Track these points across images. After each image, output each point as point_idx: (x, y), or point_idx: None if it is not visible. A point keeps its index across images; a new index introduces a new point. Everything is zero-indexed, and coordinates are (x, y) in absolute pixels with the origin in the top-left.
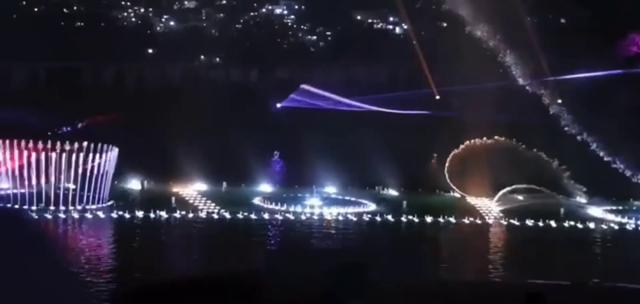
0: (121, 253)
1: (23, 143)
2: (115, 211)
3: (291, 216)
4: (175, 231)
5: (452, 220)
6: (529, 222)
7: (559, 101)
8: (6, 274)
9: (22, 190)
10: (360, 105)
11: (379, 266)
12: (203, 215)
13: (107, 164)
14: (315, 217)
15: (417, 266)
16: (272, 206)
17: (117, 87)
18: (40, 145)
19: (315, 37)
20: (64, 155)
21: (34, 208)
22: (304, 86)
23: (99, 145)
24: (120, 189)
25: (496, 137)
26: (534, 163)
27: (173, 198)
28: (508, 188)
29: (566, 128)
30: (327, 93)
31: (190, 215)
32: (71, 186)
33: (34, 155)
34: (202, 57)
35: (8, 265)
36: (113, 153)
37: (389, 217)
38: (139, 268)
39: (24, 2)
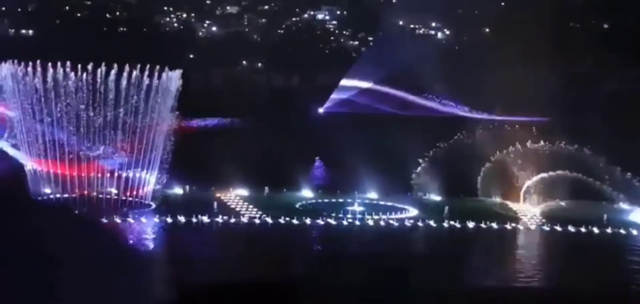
0: (163, 257)
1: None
2: (157, 216)
3: (333, 222)
4: (217, 236)
5: (494, 225)
6: (572, 228)
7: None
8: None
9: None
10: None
11: (420, 272)
12: (245, 219)
13: (148, 169)
14: (357, 223)
15: (459, 272)
16: (314, 211)
17: None
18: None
19: (357, 43)
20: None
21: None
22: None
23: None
24: (163, 194)
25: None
26: (582, 162)
27: (215, 203)
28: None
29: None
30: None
31: (232, 220)
32: (113, 190)
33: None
34: (244, 62)
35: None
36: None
37: (431, 223)
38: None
39: (67, 8)
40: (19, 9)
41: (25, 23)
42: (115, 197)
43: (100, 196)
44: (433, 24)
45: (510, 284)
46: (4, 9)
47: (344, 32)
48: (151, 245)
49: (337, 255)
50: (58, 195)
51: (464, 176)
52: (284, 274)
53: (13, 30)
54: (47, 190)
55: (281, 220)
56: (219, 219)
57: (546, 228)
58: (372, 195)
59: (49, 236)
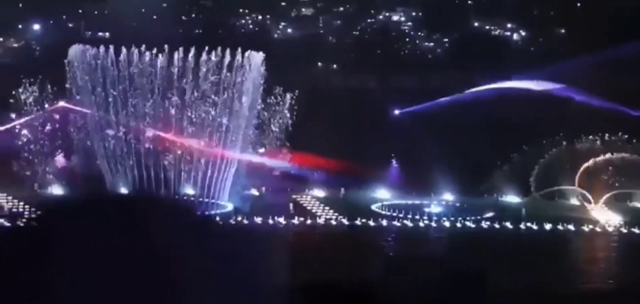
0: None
1: None
2: (234, 218)
3: (409, 224)
4: (293, 238)
5: (571, 227)
6: None
7: None
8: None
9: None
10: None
11: (498, 274)
12: (321, 221)
13: (227, 169)
14: (434, 224)
15: (536, 273)
16: (390, 213)
17: None
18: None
19: (432, 44)
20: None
21: None
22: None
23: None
24: (240, 195)
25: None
26: None
27: (291, 205)
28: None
29: None
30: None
31: (309, 222)
32: (190, 190)
33: None
34: (319, 64)
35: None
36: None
37: (508, 225)
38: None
39: (143, 10)
40: (95, 12)
41: (102, 26)
42: (192, 198)
43: (178, 196)
44: (508, 25)
45: (582, 285)
46: (80, 11)
47: (419, 34)
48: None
49: (413, 256)
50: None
51: (544, 179)
52: (359, 276)
53: (89, 32)
54: (124, 190)
55: (357, 221)
56: (295, 220)
57: (624, 230)
58: (449, 196)
59: (178, 237)
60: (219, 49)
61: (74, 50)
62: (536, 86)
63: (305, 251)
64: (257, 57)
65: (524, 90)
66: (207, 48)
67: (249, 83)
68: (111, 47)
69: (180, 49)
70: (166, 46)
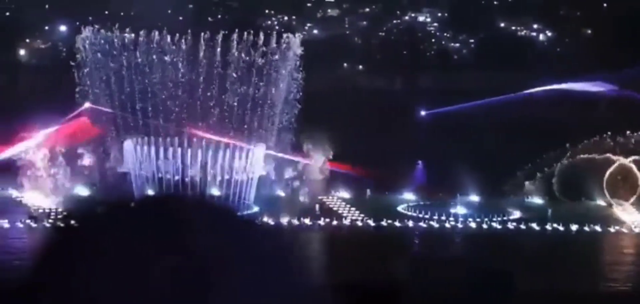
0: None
1: None
2: (259, 219)
3: (435, 225)
4: (320, 238)
5: (598, 228)
6: None
7: None
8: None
9: None
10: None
11: (523, 274)
12: (347, 222)
13: (252, 167)
14: (460, 225)
15: (561, 274)
16: (416, 214)
17: None
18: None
19: (458, 45)
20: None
21: None
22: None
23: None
24: (266, 196)
25: None
26: None
27: (317, 206)
28: None
29: None
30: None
31: (334, 223)
32: (216, 192)
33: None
34: (345, 64)
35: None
36: (258, 155)
37: (534, 225)
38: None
39: (169, 11)
40: (121, 13)
41: (128, 27)
42: (220, 198)
43: (205, 196)
44: (534, 26)
45: (608, 287)
46: (106, 12)
47: (445, 34)
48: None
49: (440, 257)
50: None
51: (569, 179)
52: (386, 277)
53: (118, 33)
54: (150, 192)
55: (383, 222)
56: (321, 222)
57: None
58: (475, 197)
59: (225, 239)
60: (251, 32)
61: (84, 35)
62: (593, 87)
63: (339, 251)
64: (294, 40)
65: (580, 92)
66: (237, 31)
67: (284, 69)
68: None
69: (207, 32)
70: (189, 30)
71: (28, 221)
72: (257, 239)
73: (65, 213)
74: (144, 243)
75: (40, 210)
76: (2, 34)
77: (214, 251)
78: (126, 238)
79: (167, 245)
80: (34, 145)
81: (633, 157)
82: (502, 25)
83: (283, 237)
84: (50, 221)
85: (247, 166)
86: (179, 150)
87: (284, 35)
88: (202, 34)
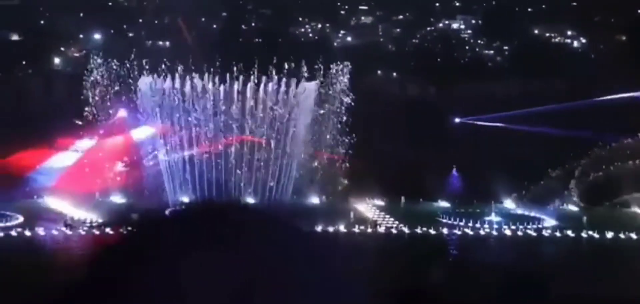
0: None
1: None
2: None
3: (470, 232)
4: (355, 246)
5: (633, 236)
6: None
7: None
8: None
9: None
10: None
11: (558, 281)
12: (382, 230)
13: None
14: (495, 233)
15: (597, 282)
16: (451, 221)
17: None
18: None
19: (492, 52)
20: None
21: None
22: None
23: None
24: (299, 203)
25: None
26: None
27: (352, 213)
28: None
29: None
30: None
31: (369, 230)
32: (250, 200)
33: None
34: (378, 71)
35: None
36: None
37: (569, 233)
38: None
39: (203, 19)
40: (156, 21)
41: (161, 34)
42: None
43: (240, 203)
44: (569, 33)
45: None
46: (141, 20)
47: (479, 41)
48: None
49: (474, 264)
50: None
51: (606, 186)
52: (421, 284)
53: (150, 42)
54: (185, 199)
55: (418, 230)
56: (356, 229)
57: None
58: (510, 204)
59: (278, 246)
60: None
61: (143, 82)
62: None
63: (378, 258)
64: (310, 87)
65: None
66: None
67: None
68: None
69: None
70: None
71: (63, 228)
72: (311, 245)
73: (100, 222)
74: (208, 249)
75: (76, 219)
76: (37, 42)
77: (274, 257)
78: (191, 243)
79: (228, 250)
80: (78, 154)
81: None
82: (536, 32)
83: (334, 243)
84: (85, 228)
85: (281, 174)
86: (216, 159)
87: (300, 87)
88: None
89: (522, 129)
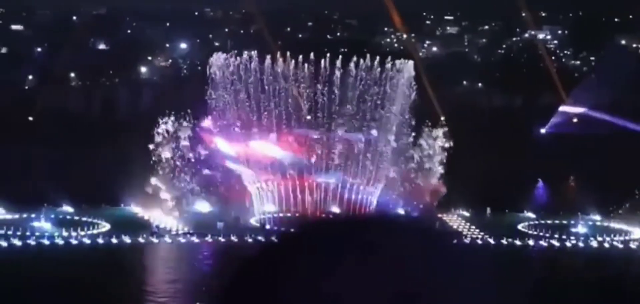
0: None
1: None
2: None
3: (556, 243)
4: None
5: None
6: None
7: None
8: None
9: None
10: None
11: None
12: (467, 240)
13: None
14: (581, 244)
15: None
16: (537, 232)
17: None
18: None
19: (578, 62)
20: None
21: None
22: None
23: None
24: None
25: None
26: None
27: (437, 223)
28: None
29: None
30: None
31: (454, 241)
32: (335, 209)
33: None
34: (464, 82)
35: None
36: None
37: None
38: None
39: (288, 29)
40: (242, 31)
41: (247, 44)
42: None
43: (323, 215)
44: None
45: None
46: (226, 30)
47: (565, 52)
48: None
49: (562, 276)
50: (280, 214)
51: None
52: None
53: (236, 51)
54: (271, 208)
55: (503, 241)
56: None
57: None
58: (595, 216)
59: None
60: (368, 57)
61: (216, 58)
62: None
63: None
64: (408, 66)
65: None
66: (355, 58)
67: (399, 93)
68: (254, 55)
69: (327, 55)
70: (312, 53)
71: (150, 237)
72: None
73: (186, 230)
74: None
75: (162, 226)
76: (124, 51)
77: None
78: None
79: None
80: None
81: None
82: (623, 42)
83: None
84: (171, 236)
85: (367, 184)
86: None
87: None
88: (322, 60)
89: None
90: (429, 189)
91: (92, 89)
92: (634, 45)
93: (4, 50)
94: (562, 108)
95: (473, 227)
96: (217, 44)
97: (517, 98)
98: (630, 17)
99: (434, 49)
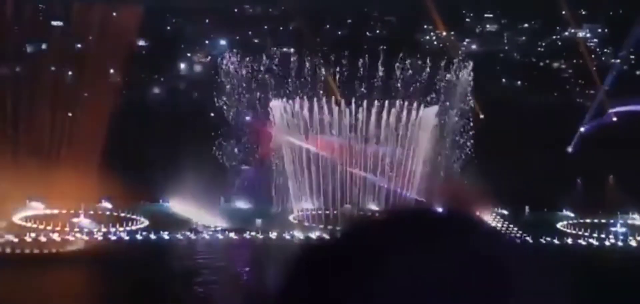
0: None
1: None
2: None
3: (595, 243)
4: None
5: None
6: None
7: None
8: None
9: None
10: None
11: None
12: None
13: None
14: (620, 244)
15: None
16: (576, 231)
17: None
18: None
19: (618, 61)
20: None
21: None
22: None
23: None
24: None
25: None
26: None
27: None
28: None
29: None
30: None
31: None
32: (374, 207)
33: None
34: (503, 80)
35: None
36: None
37: None
38: None
39: (327, 26)
40: (281, 28)
41: (286, 41)
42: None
43: (361, 212)
44: None
45: None
46: (266, 27)
47: (605, 50)
48: None
49: (598, 276)
50: (319, 212)
51: None
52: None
53: (275, 49)
54: (309, 205)
55: (542, 240)
56: None
57: None
58: (636, 216)
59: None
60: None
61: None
62: None
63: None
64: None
65: None
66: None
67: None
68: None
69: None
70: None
71: (188, 233)
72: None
73: (225, 227)
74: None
75: (201, 224)
76: (163, 48)
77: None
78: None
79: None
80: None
81: None
82: None
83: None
84: (209, 233)
85: (402, 183)
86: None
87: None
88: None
89: None
90: (467, 187)
91: (135, 85)
92: None
93: (44, 46)
94: (598, 106)
95: (511, 226)
96: (256, 40)
97: (556, 96)
98: None
99: (474, 46)
